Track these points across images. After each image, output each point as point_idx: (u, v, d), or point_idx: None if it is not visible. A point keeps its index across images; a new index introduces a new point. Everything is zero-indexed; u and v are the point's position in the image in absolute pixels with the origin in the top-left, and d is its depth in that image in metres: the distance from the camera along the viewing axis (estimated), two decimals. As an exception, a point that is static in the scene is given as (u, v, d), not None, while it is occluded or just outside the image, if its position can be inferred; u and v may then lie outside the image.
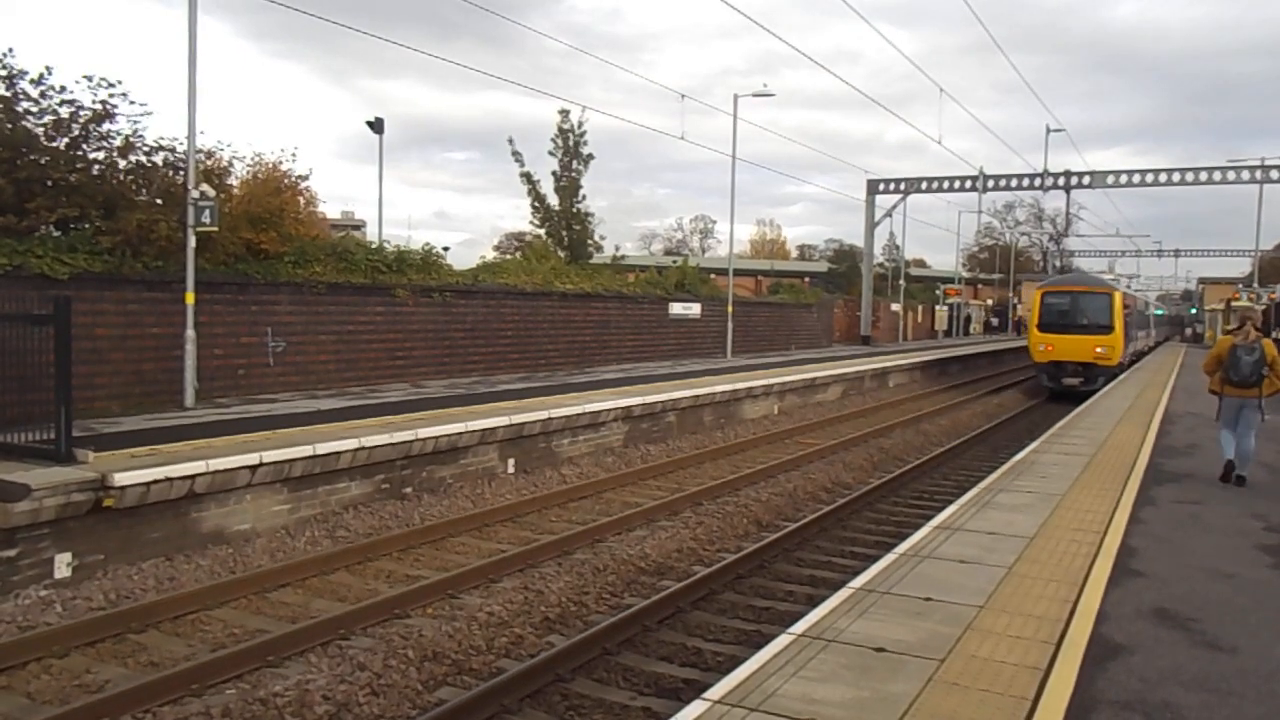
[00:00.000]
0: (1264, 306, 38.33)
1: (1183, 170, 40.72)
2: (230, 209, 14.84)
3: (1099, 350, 27.15)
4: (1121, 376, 27.50)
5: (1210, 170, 40.35)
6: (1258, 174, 39.78)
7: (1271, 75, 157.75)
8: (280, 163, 16.84)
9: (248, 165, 16.61)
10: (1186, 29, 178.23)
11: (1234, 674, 5.05)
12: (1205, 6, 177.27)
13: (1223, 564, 7.30)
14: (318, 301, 16.35)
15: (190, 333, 13.28)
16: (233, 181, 16.12)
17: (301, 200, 17.44)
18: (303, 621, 7.68)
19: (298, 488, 10.54)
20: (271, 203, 15.88)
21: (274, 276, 15.60)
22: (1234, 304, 41.11)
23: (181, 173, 14.11)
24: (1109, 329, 27.34)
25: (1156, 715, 4.49)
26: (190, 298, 13.29)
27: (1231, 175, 39.86)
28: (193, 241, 13.29)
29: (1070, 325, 27.53)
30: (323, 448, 10.66)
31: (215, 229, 13.59)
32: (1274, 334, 24.67)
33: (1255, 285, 48.29)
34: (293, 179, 17.03)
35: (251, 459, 9.85)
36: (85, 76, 13.83)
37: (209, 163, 15.27)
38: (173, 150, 14.58)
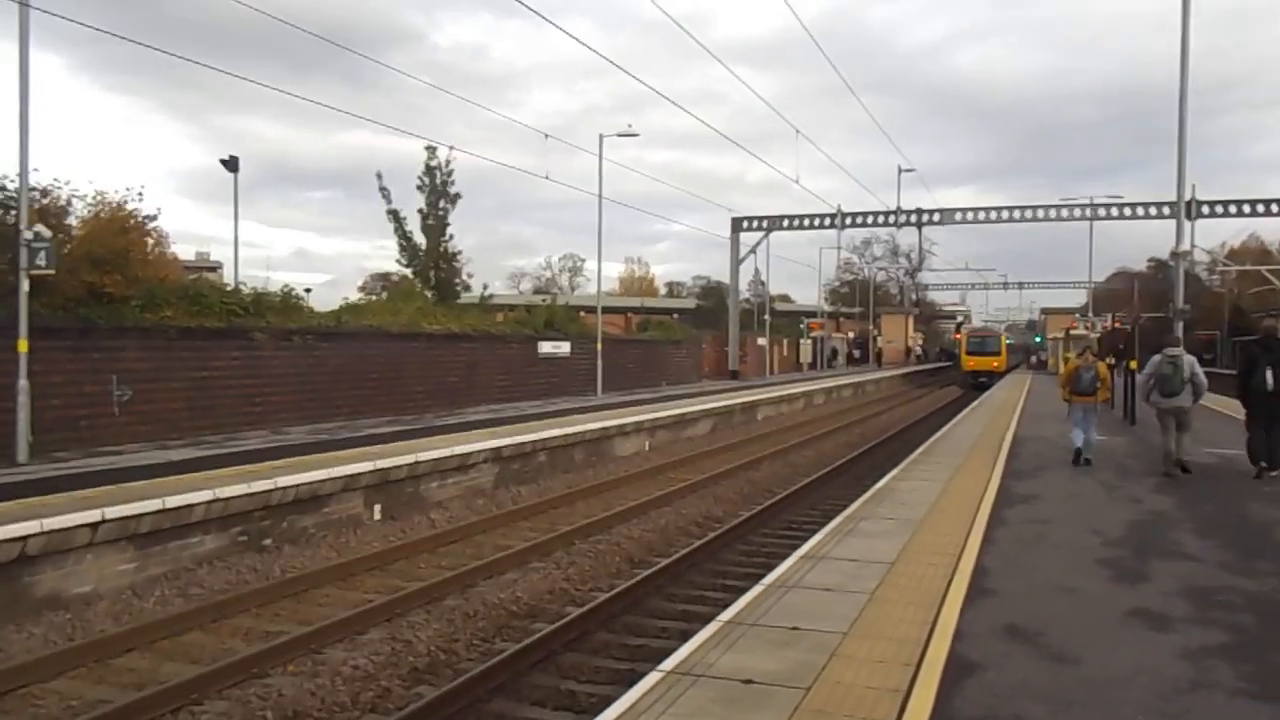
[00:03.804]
0: (1098, 335, 41.11)
1: (1021, 208, 43.49)
2: (70, 250, 14.07)
3: (995, 365, 55.30)
4: (1004, 379, 50.45)
5: (1046, 208, 43.26)
6: (1088, 212, 42.85)
7: (1097, 121, 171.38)
8: (125, 202, 16.06)
9: (89, 204, 15.79)
10: (1020, 78, 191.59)
11: (1077, 684, 5.32)
12: (1036, 57, 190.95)
13: (1066, 579, 7.71)
14: (169, 347, 15.57)
15: (23, 383, 12.45)
16: (72, 221, 15.31)
17: (149, 241, 16.68)
18: (150, 688, 7.19)
19: (145, 544, 9.92)
20: (116, 243, 15.10)
21: (119, 321, 14.78)
22: (1072, 332, 43.95)
23: (13, 212, 13.29)
24: (999, 354, 56.70)
25: (1008, 729, 4.67)
26: (23, 345, 12.46)
27: (1065, 213, 42.79)
28: (26, 285, 12.50)
29: (981, 352, 55.79)
30: (173, 501, 10.09)
31: (52, 272, 12.85)
32: (1107, 359, 26.64)
33: (1090, 315, 51.79)
34: (139, 218, 16.28)
35: (93, 516, 9.23)
36: (-98, 111, 12.92)
37: (44, 201, 14.45)
38: (3, 188, 13.72)
